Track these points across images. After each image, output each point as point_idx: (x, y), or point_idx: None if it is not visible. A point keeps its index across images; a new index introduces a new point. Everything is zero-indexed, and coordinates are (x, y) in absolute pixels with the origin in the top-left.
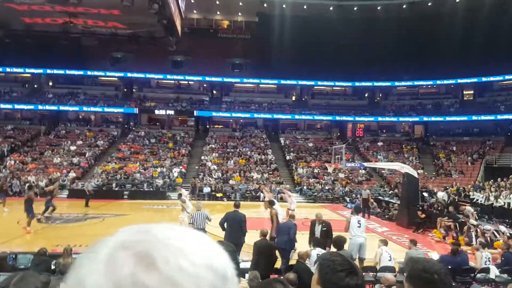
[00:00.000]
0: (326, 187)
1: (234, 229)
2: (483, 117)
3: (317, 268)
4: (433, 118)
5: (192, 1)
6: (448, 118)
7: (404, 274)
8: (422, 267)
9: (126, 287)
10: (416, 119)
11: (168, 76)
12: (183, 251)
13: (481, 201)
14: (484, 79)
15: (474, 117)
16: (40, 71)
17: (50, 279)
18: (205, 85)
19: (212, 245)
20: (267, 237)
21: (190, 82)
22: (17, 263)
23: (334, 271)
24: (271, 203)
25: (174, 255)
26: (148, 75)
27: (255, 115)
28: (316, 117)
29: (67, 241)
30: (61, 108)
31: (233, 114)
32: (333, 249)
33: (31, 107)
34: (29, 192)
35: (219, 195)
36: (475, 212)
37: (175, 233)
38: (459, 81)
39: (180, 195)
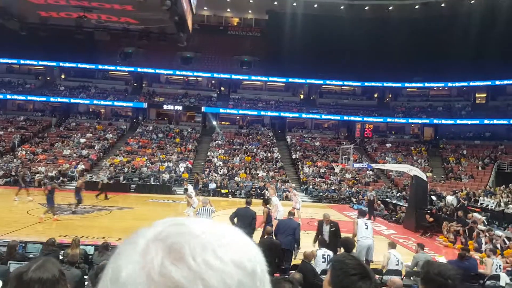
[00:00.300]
0: (332, 187)
1: (243, 225)
2: (495, 121)
3: (330, 270)
4: (443, 121)
5: None
6: (459, 121)
7: (411, 277)
8: (438, 271)
9: (156, 278)
10: (426, 121)
11: (177, 72)
12: (213, 246)
13: (491, 206)
14: (497, 82)
15: (486, 121)
16: (53, 64)
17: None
18: (213, 81)
19: (244, 241)
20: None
21: (198, 78)
22: (26, 252)
23: (346, 274)
24: (265, 202)
25: (203, 249)
26: (157, 71)
27: (262, 113)
28: (323, 116)
29: (75, 232)
30: (72, 100)
31: (240, 111)
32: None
33: (43, 99)
34: (53, 183)
35: (224, 191)
36: (484, 217)
37: (209, 227)
38: (472, 83)
39: (186, 189)
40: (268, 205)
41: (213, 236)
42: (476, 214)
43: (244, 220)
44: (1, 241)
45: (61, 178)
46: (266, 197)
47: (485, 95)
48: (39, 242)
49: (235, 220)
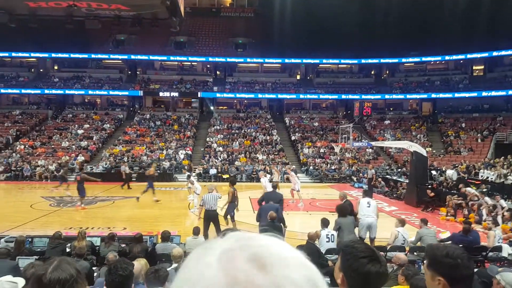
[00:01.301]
0: (333, 167)
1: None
2: (493, 93)
3: (340, 255)
4: (441, 95)
5: None
6: (457, 95)
7: (415, 252)
8: (445, 253)
9: (241, 283)
10: (424, 96)
11: (172, 58)
12: (287, 260)
13: (491, 178)
14: (495, 53)
15: (484, 93)
16: (45, 55)
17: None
18: (208, 65)
19: (303, 256)
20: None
21: (193, 63)
22: (33, 247)
23: (355, 257)
24: (232, 183)
25: (280, 262)
26: (151, 57)
27: (259, 95)
28: (321, 96)
29: (80, 224)
30: (67, 92)
31: (237, 95)
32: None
33: (38, 91)
34: (82, 174)
35: (225, 176)
36: (485, 190)
37: (274, 243)
38: (469, 56)
39: (188, 176)
40: (234, 186)
41: (284, 252)
42: (469, 189)
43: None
44: (7, 237)
45: (61, 170)
46: (231, 178)
47: (482, 67)
48: (45, 236)
49: (263, 203)
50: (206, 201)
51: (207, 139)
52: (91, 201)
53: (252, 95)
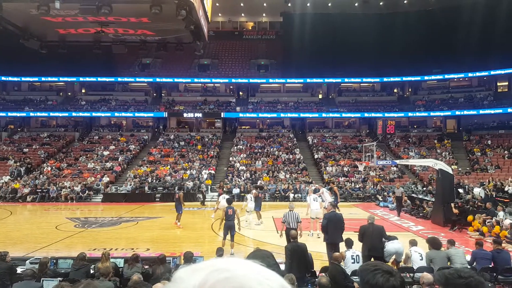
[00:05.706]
0: (357, 186)
1: (336, 229)
2: None
3: (359, 279)
4: (465, 112)
5: (217, 4)
6: (482, 111)
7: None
8: (457, 274)
9: None
10: (448, 113)
11: (195, 80)
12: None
13: None
14: None
15: (510, 109)
16: (73, 79)
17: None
18: (231, 86)
19: (279, 280)
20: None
21: (216, 85)
22: (58, 268)
23: (369, 272)
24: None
25: None
26: (176, 80)
27: (282, 115)
28: (344, 115)
29: (104, 245)
30: (94, 114)
31: (260, 115)
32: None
33: (65, 114)
34: (179, 192)
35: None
36: None
37: (250, 270)
38: (493, 72)
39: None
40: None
41: (262, 279)
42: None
43: (336, 224)
44: (32, 258)
45: (87, 191)
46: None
47: (507, 83)
48: (69, 257)
49: (327, 226)
50: (287, 219)
51: (230, 158)
52: (115, 222)
53: (274, 115)
